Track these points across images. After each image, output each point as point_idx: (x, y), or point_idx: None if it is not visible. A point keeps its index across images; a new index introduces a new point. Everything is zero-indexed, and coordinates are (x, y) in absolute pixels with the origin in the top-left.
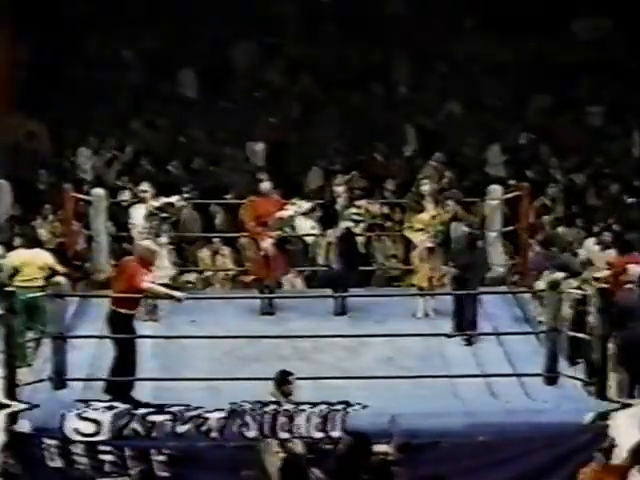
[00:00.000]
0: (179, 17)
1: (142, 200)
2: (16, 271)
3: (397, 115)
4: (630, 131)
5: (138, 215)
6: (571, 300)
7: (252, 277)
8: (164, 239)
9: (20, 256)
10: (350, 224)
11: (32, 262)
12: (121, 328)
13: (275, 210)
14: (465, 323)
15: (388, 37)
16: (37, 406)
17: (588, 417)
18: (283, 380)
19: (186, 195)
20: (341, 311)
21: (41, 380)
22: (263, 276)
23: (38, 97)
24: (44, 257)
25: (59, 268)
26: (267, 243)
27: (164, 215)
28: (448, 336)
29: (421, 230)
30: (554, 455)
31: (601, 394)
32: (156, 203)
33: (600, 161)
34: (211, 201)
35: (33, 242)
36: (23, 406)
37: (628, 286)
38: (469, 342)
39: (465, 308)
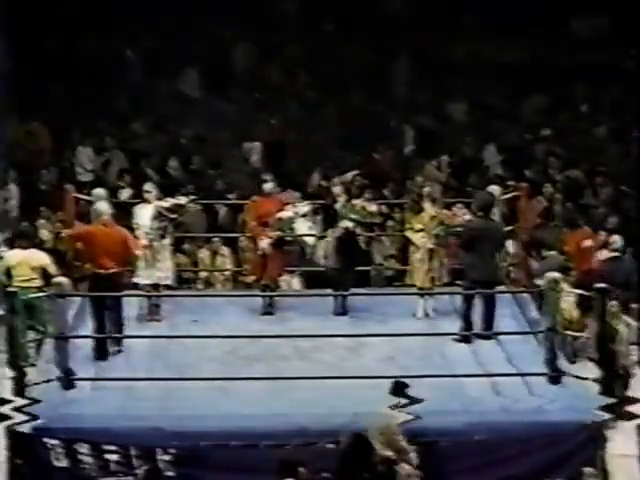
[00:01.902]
0: (179, 17)
1: (146, 200)
2: (9, 271)
3: (396, 115)
4: (630, 130)
5: (143, 215)
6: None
7: (252, 277)
8: (167, 240)
9: (15, 256)
10: (349, 224)
11: (26, 262)
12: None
13: (276, 211)
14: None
15: (387, 37)
16: (39, 401)
17: (589, 416)
18: (400, 391)
19: (192, 196)
20: (341, 311)
21: (48, 380)
22: (260, 276)
23: (38, 97)
24: (38, 257)
25: (53, 269)
26: (265, 243)
27: (173, 216)
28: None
29: (421, 231)
30: (555, 454)
31: (605, 393)
32: (165, 204)
33: (598, 160)
34: (216, 202)
35: (29, 242)
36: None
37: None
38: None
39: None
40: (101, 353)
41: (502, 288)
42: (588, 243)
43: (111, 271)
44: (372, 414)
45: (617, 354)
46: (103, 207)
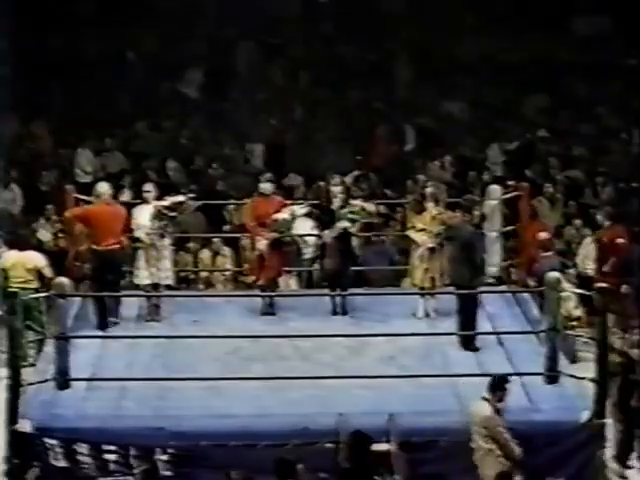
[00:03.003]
0: (180, 17)
1: (145, 201)
2: (5, 272)
3: (397, 114)
4: (630, 130)
5: (143, 216)
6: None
7: (253, 278)
8: (167, 240)
9: (11, 258)
10: (347, 224)
11: (22, 264)
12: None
13: (273, 211)
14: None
15: (388, 36)
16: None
17: (585, 415)
18: (499, 386)
19: (191, 195)
20: (340, 311)
21: (45, 380)
22: (258, 276)
23: (39, 97)
24: (34, 259)
25: (48, 271)
26: (262, 244)
27: (172, 214)
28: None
29: (423, 230)
30: (555, 454)
31: (601, 393)
32: (165, 202)
33: (599, 160)
34: (215, 202)
35: (26, 243)
36: None
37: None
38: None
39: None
40: (102, 324)
41: (503, 288)
42: (545, 235)
43: (111, 247)
44: (472, 407)
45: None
46: (103, 187)
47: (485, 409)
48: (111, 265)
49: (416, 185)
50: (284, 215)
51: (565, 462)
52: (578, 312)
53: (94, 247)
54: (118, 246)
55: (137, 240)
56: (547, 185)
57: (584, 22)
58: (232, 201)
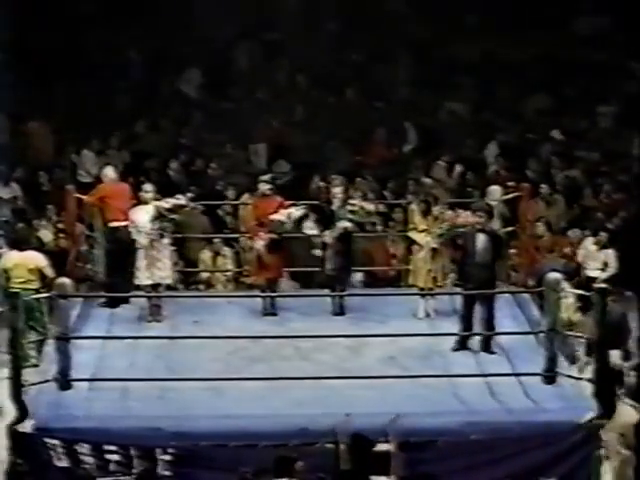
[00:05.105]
0: (181, 17)
1: (143, 201)
2: (6, 273)
3: (397, 114)
4: (631, 130)
5: (142, 216)
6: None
7: (252, 278)
8: (167, 240)
9: (12, 258)
10: (348, 224)
11: (23, 264)
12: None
13: (271, 212)
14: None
15: (388, 36)
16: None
17: (587, 416)
18: None
19: (190, 195)
20: (339, 311)
21: (46, 381)
22: (256, 276)
23: (40, 97)
24: (35, 260)
25: (49, 271)
26: (258, 244)
27: (173, 216)
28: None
29: (424, 231)
30: (551, 454)
31: (599, 393)
32: (166, 205)
33: (600, 160)
34: (216, 202)
35: (27, 243)
36: None
37: None
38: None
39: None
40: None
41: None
42: None
43: (123, 224)
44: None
45: None
46: (110, 170)
47: (630, 415)
48: (124, 241)
49: (420, 187)
50: (280, 216)
51: (560, 462)
52: (578, 316)
53: (110, 225)
54: (127, 223)
55: (137, 240)
56: (543, 186)
57: (585, 22)
58: (230, 202)
